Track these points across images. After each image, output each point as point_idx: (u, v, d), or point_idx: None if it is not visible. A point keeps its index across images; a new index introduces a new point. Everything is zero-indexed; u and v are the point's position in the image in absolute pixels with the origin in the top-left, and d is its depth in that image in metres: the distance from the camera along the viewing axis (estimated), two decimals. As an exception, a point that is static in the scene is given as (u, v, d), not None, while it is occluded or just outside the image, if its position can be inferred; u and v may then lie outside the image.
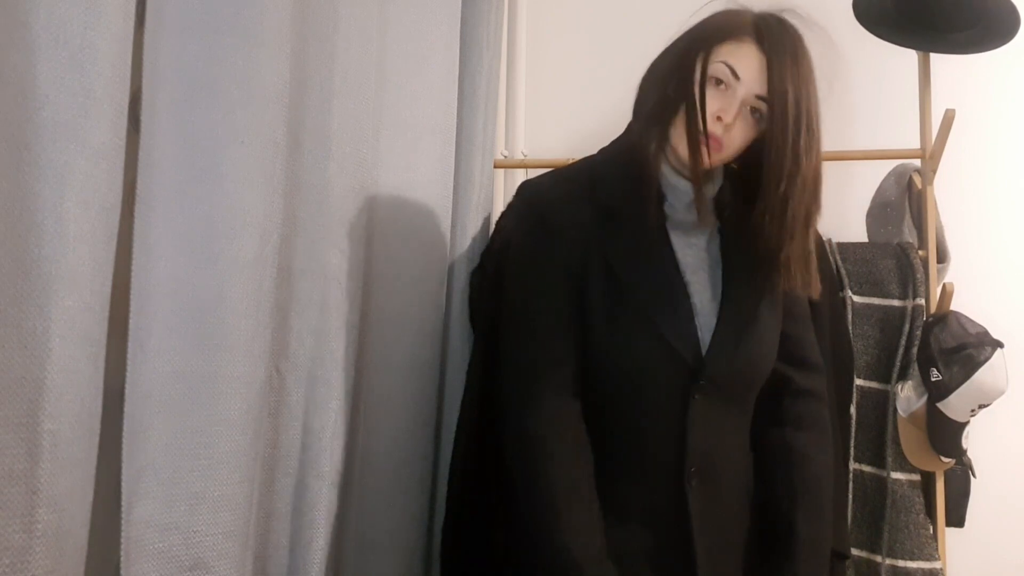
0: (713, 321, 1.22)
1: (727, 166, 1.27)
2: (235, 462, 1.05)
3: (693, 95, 1.15)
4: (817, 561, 1.25)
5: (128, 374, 0.97)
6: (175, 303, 1.00)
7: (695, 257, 1.24)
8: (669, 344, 1.18)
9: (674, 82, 1.19)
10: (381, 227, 1.43)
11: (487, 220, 1.78)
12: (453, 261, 1.67)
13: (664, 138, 1.20)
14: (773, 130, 1.14)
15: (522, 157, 2.20)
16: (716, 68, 1.15)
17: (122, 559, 0.96)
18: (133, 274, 0.97)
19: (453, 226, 1.67)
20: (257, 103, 1.07)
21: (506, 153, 2.15)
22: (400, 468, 1.48)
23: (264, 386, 1.11)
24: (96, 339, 0.88)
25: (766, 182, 1.16)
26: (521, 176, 2.10)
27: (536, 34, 2.29)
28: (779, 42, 1.15)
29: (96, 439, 0.90)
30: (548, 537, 1.14)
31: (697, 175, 1.19)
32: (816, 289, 1.25)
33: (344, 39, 1.28)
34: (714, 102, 1.15)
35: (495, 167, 1.89)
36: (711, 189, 1.25)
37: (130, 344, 0.97)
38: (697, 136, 1.15)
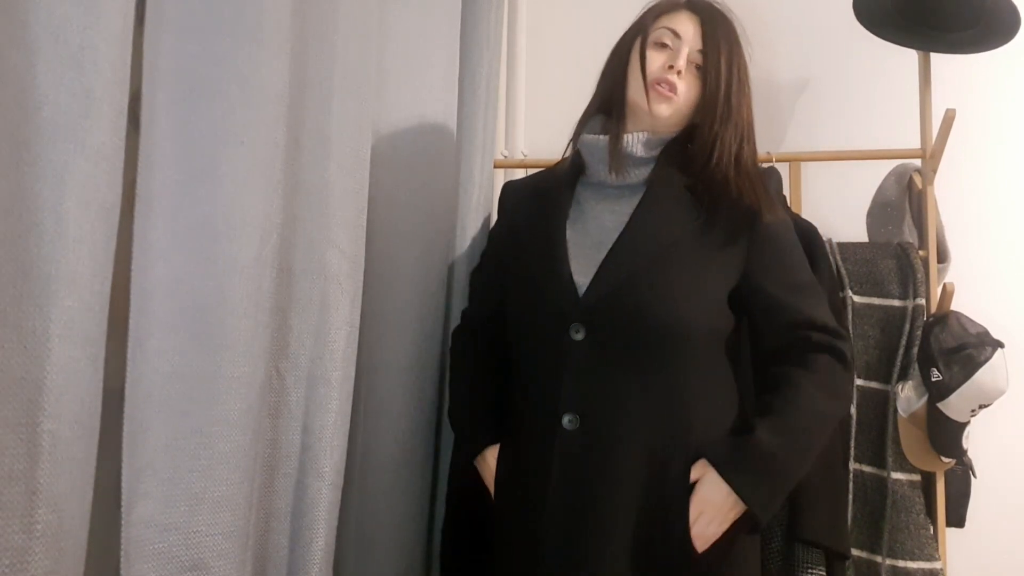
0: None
1: (666, 146, 1.35)
2: (235, 462, 1.05)
3: (634, 57, 1.33)
4: (770, 475, 1.20)
5: (128, 374, 0.97)
6: (175, 303, 1.00)
7: (615, 219, 1.31)
8: (540, 289, 1.29)
9: (618, 60, 1.37)
10: (381, 227, 1.43)
11: (487, 220, 1.77)
12: (453, 261, 1.67)
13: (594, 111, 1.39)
14: (707, 78, 1.30)
15: (522, 157, 2.20)
16: (658, 34, 1.33)
17: (122, 559, 0.95)
18: (132, 274, 0.97)
19: (453, 226, 1.67)
20: (257, 103, 1.07)
21: (506, 153, 2.15)
22: (400, 468, 1.48)
23: (264, 386, 1.11)
24: (96, 339, 0.88)
25: (700, 122, 1.31)
26: (521, 176, 2.10)
27: (536, 34, 2.29)
28: (708, 9, 1.35)
29: (96, 439, 0.90)
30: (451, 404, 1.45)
31: (622, 126, 1.32)
32: (769, 207, 1.30)
33: (344, 39, 1.28)
34: (663, 56, 1.31)
35: (495, 167, 1.89)
36: (636, 141, 1.32)
37: (130, 344, 0.97)
38: (644, 83, 1.30)
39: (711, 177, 1.30)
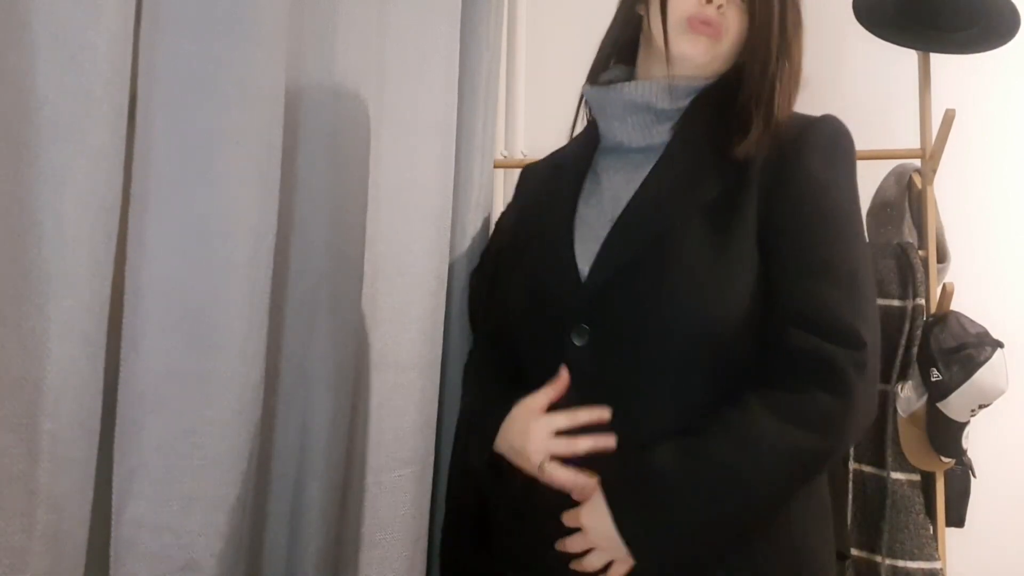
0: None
1: (699, 95, 1.10)
2: (229, 462, 1.05)
3: None
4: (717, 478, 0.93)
5: (121, 373, 0.97)
6: (169, 303, 1.00)
7: (633, 190, 1.06)
8: (540, 280, 1.06)
9: None
10: (381, 227, 1.43)
11: (487, 220, 1.77)
12: (453, 261, 1.66)
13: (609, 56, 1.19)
14: (757, 6, 1.03)
15: (522, 157, 2.20)
16: None
17: (111, 559, 0.95)
18: (127, 274, 0.97)
19: (453, 226, 1.67)
20: (253, 103, 1.07)
21: (506, 153, 2.15)
22: (400, 468, 1.48)
23: (259, 386, 1.11)
24: (95, 339, 0.88)
25: (750, 65, 1.04)
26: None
27: (536, 34, 2.29)
28: None
29: (95, 439, 0.90)
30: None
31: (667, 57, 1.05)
32: (809, 151, 1.03)
33: (344, 39, 1.28)
34: None
35: (495, 167, 1.88)
36: (655, 88, 1.07)
37: (123, 343, 0.97)
38: (664, 23, 1.04)
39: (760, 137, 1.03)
